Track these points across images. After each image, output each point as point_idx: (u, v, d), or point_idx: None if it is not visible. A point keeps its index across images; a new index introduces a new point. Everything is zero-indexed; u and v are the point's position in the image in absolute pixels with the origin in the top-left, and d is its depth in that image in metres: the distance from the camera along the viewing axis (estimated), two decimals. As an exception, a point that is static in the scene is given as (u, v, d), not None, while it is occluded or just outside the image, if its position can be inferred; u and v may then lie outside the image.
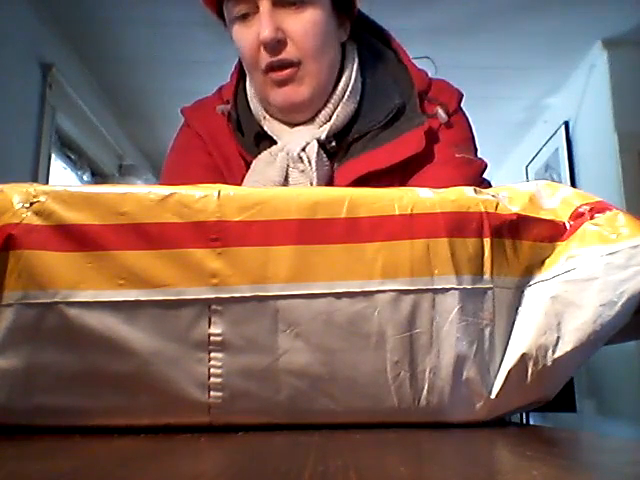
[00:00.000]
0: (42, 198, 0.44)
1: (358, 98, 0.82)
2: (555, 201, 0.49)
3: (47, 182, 2.37)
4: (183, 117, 0.92)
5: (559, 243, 0.47)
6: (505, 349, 0.45)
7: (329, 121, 0.80)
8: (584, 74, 2.64)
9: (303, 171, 0.77)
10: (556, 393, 0.47)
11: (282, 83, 0.78)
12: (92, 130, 2.75)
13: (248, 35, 0.78)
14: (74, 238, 0.43)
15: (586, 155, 2.71)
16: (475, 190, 0.48)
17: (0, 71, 1.99)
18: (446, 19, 2.23)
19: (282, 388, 0.43)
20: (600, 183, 2.51)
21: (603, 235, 0.45)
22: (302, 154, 0.77)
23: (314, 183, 0.76)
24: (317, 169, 0.76)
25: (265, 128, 0.82)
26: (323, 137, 0.79)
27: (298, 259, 0.44)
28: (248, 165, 0.82)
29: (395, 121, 0.81)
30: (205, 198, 0.45)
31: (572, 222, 0.47)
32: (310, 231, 0.44)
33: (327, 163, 0.79)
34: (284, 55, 0.77)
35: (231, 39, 0.85)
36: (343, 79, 0.82)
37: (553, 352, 0.44)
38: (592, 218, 0.47)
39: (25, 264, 0.42)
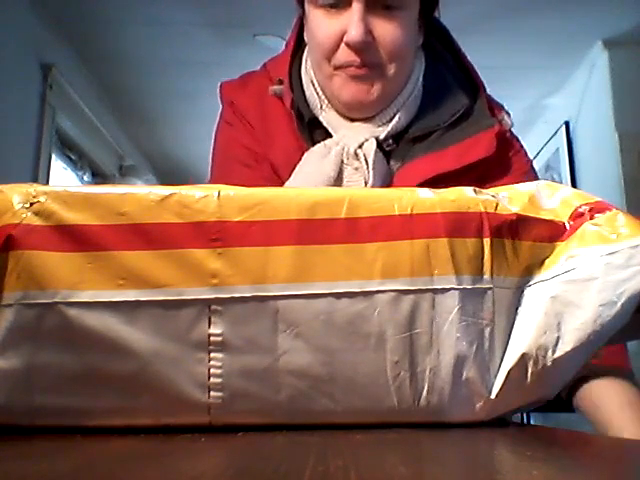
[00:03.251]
0: (42, 198, 0.44)
1: (419, 102, 0.80)
2: (555, 201, 0.50)
3: (47, 182, 2.37)
4: (221, 95, 0.86)
5: (559, 243, 0.47)
6: (505, 349, 0.45)
7: (390, 122, 0.77)
8: (584, 74, 2.64)
9: (357, 169, 0.74)
10: (556, 393, 0.47)
11: (355, 79, 0.75)
12: (92, 130, 2.76)
13: (331, 27, 0.74)
14: (74, 238, 0.43)
15: (586, 155, 2.71)
16: (475, 190, 0.48)
17: (0, 71, 1.99)
18: (446, 19, 2.23)
19: (282, 388, 0.43)
20: (600, 183, 2.51)
21: (603, 235, 0.45)
22: (359, 151, 0.74)
23: (369, 182, 0.73)
24: (374, 168, 0.73)
25: (321, 118, 0.79)
26: (382, 137, 0.76)
27: (298, 259, 0.44)
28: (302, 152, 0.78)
29: (461, 122, 0.78)
30: (205, 198, 0.45)
31: (572, 222, 0.48)
32: (310, 231, 0.44)
33: (384, 163, 0.76)
34: (366, 57, 0.74)
35: (295, 13, 0.81)
36: (410, 82, 0.79)
37: (553, 352, 0.44)
38: (592, 218, 0.47)
39: (25, 264, 0.42)
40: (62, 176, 2.69)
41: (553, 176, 2.95)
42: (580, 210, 0.48)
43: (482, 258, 0.45)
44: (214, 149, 0.88)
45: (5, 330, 0.42)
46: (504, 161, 0.79)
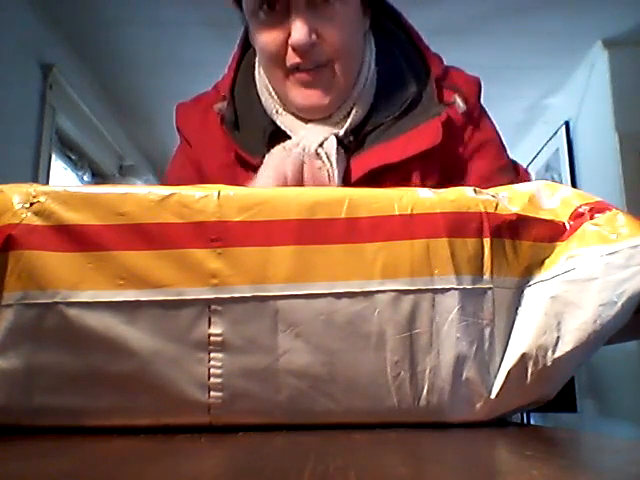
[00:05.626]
0: (42, 198, 0.44)
1: (374, 90, 0.78)
2: (555, 201, 0.50)
3: (47, 182, 2.37)
4: (175, 114, 0.87)
5: (559, 243, 0.47)
6: (505, 349, 0.45)
7: (348, 117, 0.76)
8: (584, 74, 2.64)
9: (320, 168, 0.73)
10: (556, 393, 0.47)
11: (307, 85, 0.74)
12: (92, 130, 2.76)
13: (275, 33, 0.73)
14: (74, 238, 0.43)
15: (586, 155, 2.71)
16: (475, 190, 0.48)
17: (0, 71, 1.99)
18: (446, 19, 2.23)
19: (282, 388, 0.43)
20: (601, 183, 2.51)
21: (603, 235, 0.45)
22: (320, 150, 0.73)
23: (335, 180, 0.72)
24: (337, 166, 0.73)
25: (278, 122, 0.78)
26: (342, 133, 0.75)
27: (298, 259, 0.44)
28: (248, 166, 0.77)
29: (411, 110, 0.77)
30: (205, 198, 0.45)
31: (572, 222, 0.47)
32: (310, 231, 0.44)
33: (344, 159, 0.75)
34: (314, 57, 0.73)
35: (242, 24, 0.80)
36: (362, 73, 0.78)
37: (553, 352, 0.44)
38: (592, 218, 0.47)
39: (25, 264, 0.42)
40: (62, 176, 2.69)
41: (553, 176, 2.95)
42: (580, 210, 0.48)
43: (482, 258, 0.45)
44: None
45: (5, 330, 0.42)
46: (452, 147, 0.77)
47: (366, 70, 0.79)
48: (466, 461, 0.33)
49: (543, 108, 3.02)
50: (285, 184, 0.71)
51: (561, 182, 2.79)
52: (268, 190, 0.47)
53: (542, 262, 0.47)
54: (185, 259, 0.43)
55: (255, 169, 0.76)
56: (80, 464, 0.31)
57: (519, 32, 2.37)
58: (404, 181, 0.74)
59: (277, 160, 0.74)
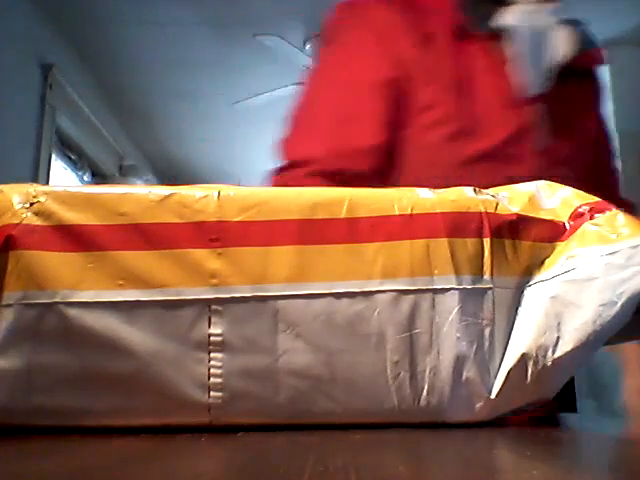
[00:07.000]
0: (42, 198, 0.44)
1: None
2: (555, 201, 0.50)
3: (47, 182, 2.37)
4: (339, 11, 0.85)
5: (559, 243, 0.47)
6: (505, 349, 0.45)
7: None
8: (584, 74, 2.64)
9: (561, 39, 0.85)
10: (556, 393, 0.47)
11: None
12: (92, 130, 2.76)
13: None
14: (74, 238, 0.43)
15: (586, 155, 2.71)
16: (475, 190, 0.48)
17: (0, 71, 1.99)
18: (446, 19, 2.23)
19: (282, 388, 0.43)
20: (600, 183, 2.51)
21: (603, 235, 0.45)
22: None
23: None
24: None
25: None
26: None
27: (298, 259, 0.44)
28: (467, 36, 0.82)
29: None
30: (205, 198, 0.45)
31: (572, 222, 0.48)
32: (310, 231, 0.44)
33: None
34: None
35: None
36: None
37: (553, 352, 0.44)
38: (592, 218, 0.47)
39: (25, 264, 0.42)
40: (62, 176, 2.69)
41: (553, 176, 2.95)
42: (580, 210, 0.48)
43: (482, 258, 0.45)
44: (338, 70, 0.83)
45: (5, 330, 0.42)
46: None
47: None
48: (466, 461, 0.33)
49: (543, 108, 3.02)
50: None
51: (561, 182, 2.78)
52: (268, 190, 0.47)
53: (542, 262, 0.47)
54: (185, 259, 0.43)
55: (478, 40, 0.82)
56: (80, 464, 0.31)
57: (519, 32, 2.37)
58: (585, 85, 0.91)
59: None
